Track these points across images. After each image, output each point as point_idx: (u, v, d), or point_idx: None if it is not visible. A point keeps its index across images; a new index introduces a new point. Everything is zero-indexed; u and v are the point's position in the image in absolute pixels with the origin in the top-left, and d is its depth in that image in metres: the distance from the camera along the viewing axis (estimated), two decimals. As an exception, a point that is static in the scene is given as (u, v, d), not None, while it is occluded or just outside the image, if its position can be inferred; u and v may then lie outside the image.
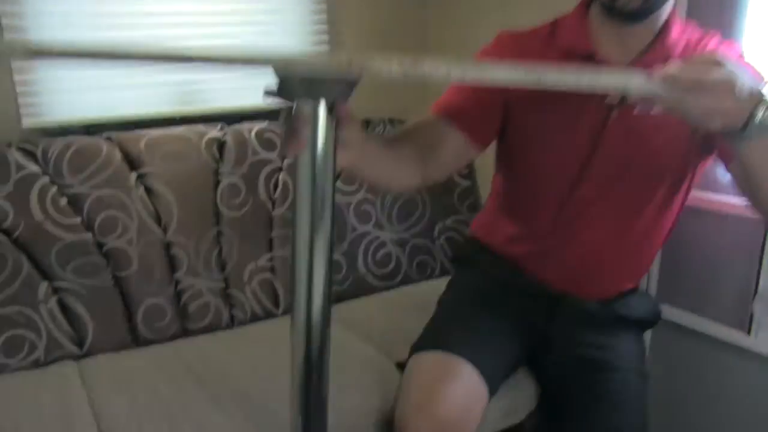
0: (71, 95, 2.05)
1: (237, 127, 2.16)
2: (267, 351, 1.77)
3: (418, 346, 1.50)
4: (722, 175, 1.63)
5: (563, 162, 1.42)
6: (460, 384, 1.37)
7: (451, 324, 1.56)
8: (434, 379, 1.38)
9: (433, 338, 1.51)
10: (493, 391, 1.43)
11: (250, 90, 2.29)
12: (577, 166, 1.41)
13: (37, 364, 1.75)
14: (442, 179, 1.53)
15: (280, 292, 2.07)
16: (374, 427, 1.53)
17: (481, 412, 1.40)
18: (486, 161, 2.36)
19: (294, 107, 0.96)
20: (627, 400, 1.47)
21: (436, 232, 2.36)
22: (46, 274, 1.80)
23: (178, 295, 1.94)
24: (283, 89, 0.95)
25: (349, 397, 1.56)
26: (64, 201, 1.85)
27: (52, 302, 1.79)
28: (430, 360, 1.44)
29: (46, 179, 1.84)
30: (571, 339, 1.55)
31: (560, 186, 1.44)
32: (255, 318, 2.03)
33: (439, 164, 1.42)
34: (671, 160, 1.39)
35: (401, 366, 1.52)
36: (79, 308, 1.81)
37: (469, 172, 2.47)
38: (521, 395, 1.64)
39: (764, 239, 1.65)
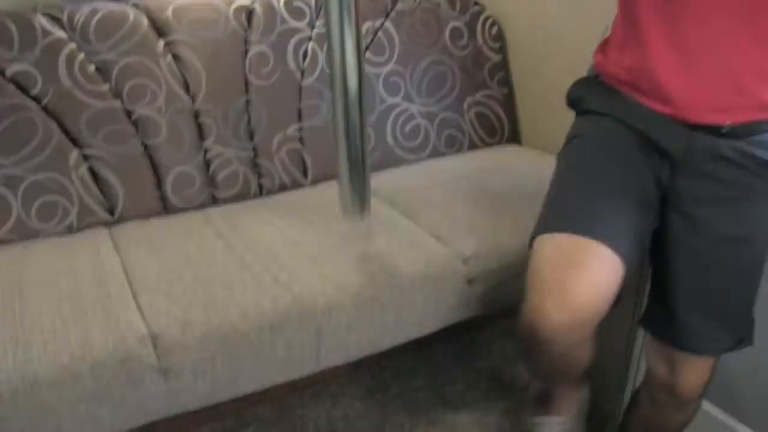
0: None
1: (265, -5, 2.12)
2: (295, 218, 1.79)
3: (543, 226, 1.32)
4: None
5: None
6: (591, 271, 1.21)
7: (572, 195, 1.36)
8: (564, 267, 1.22)
9: (557, 217, 1.32)
10: (628, 265, 1.24)
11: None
12: None
13: (70, 230, 1.78)
14: None
15: (309, 162, 2.07)
16: (401, 287, 1.57)
17: (616, 290, 1.23)
18: (518, 38, 2.31)
19: None
20: (743, 279, 1.34)
21: (465, 106, 2.33)
22: (76, 142, 1.81)
23: (207, 163, 1.94)
24: None
25: (376, 259, 1.60)
26: (92, 68, 1.84)
27: (83, 169, 1.80)
28: (556, 245, 1.26)
29: (73, 45, 1.82)
30: (695, 196, 1.32)
31: None
32: (283, 187, 2.04)
33: None
34: None
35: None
36: (110, 175, 1.83)
37: (501, 47, 2.42)
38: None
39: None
